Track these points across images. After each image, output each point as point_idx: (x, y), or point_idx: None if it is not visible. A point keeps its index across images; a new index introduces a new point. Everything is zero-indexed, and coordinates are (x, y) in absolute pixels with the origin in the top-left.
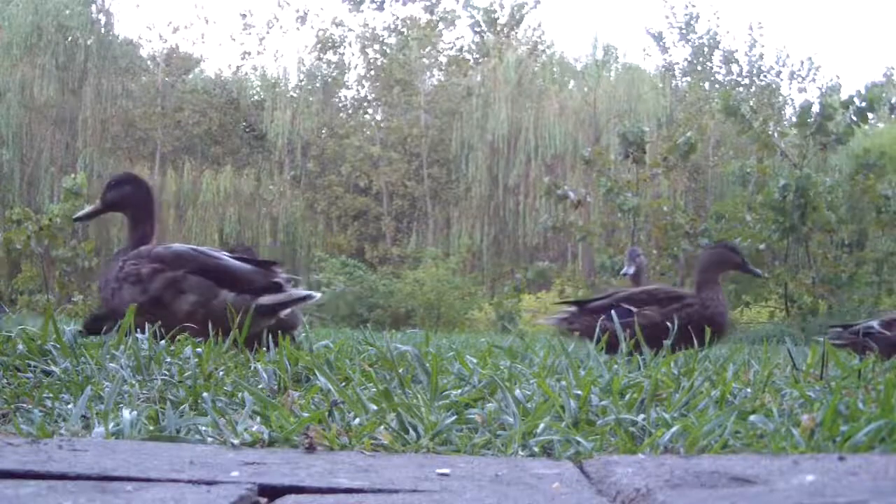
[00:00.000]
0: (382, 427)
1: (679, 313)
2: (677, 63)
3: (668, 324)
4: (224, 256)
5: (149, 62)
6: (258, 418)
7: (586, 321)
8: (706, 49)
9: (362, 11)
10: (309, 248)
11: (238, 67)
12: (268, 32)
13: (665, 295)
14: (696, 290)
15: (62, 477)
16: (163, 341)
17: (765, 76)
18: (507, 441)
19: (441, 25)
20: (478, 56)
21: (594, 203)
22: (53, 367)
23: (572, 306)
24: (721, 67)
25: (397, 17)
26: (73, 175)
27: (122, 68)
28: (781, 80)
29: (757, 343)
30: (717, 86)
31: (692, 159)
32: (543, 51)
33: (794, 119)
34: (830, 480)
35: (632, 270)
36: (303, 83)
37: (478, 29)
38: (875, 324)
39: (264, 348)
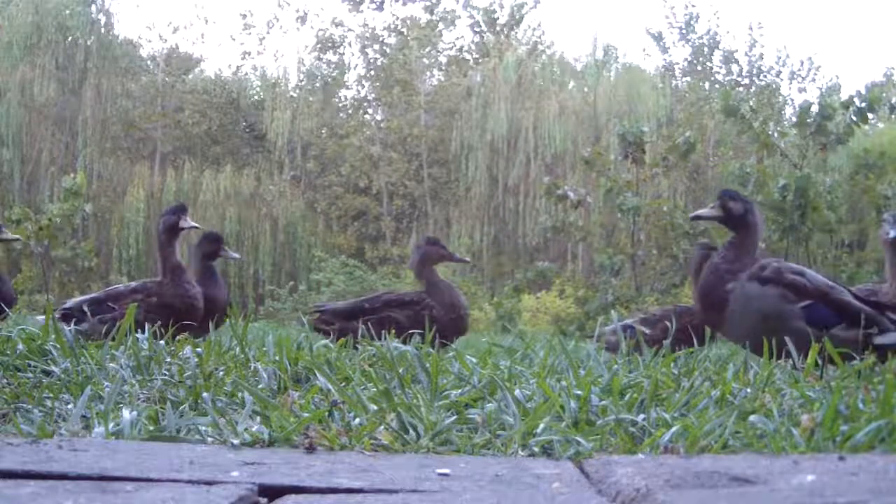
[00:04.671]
0: (382, 427)
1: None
2: (677, 63)
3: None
4: None
5: (149, 62)
6: (258, 418)
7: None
8: (706, 49)
9: (362, 11)
10: (309, 248)
11: (238, 67)
12: (268, 32)
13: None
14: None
15: (62, 477)
16: (162, 341)
17: (765, 76)
18: (507, 441)
19: (441, 25)
20: (478, 56)
21: (594, 203)
22: (53, 367)
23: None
24: (721, 67)
25: (397, 17)
26: (72, 175)
27: (122, 68)
28: (781, 80)
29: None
30: (717, 86)
31: (692, 159)
32: (543, 51)
33: (793, 119)
34: (830, 480)
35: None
36: (303, 83)
37: (478, 29)
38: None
39: None
